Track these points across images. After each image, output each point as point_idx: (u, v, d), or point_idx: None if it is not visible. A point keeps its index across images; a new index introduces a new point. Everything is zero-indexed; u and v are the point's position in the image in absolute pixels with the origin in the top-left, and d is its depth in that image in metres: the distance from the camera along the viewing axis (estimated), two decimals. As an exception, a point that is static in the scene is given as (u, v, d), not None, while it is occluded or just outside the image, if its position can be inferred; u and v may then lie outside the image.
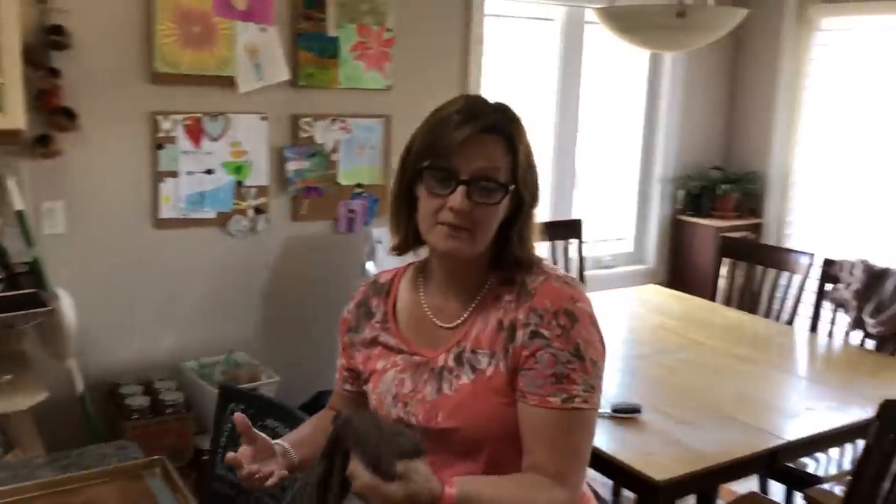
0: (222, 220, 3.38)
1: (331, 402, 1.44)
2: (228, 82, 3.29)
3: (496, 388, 1.16)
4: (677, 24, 2.62)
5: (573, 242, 3.74)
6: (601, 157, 4.63)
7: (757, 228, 4.64)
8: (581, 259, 3.74)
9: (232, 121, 3.32)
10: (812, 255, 3.31)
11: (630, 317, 3.22)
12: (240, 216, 3.40)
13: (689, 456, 2.03)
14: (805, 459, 2.73)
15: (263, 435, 1.20)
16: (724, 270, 3.59)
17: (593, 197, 4.64)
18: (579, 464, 1.17)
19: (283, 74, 3.39)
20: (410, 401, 1.19)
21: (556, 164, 4.38)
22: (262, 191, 3.44)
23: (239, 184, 3.39)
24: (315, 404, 3.27)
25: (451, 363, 1.18)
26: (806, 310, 3.31)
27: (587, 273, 3.98)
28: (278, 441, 1.25)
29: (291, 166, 3.48)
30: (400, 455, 1.02)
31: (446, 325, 1.21)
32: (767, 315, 3.39)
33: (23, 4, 2.72)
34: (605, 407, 2.24)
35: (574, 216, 4.34)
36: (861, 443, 2.01)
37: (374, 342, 1.26)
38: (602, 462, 2.07)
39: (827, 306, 3.21)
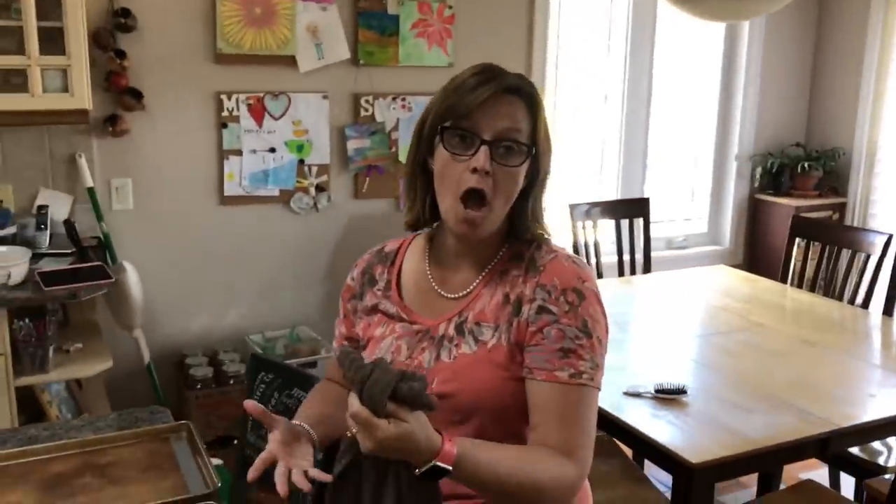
0: (285, 198, 3.45)
1: (327, 373, 1.44)
2: (290, 62, 3.34)
3: (496, 359, 1.16)
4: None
5: (639, 221, 3.65)
6: (674, 134, 4.51)
7: (840, 208, 4.44)
8: (647, 239, 3.65)
9: (293, 100, 3.38)
10: (891, 235, 3.14)
11: (692, 298, 3.13)
12: (302, 194, 3.47)
13: (730, 440, 1.96)
14: (878, 447, 2.62)
15: (282, 418, 1.18)
16: (796, 252, 3.44)
17: (666, 175, 4.52)
18: (587, 439, 1.15)
19: (344, 53, 3.42)
20: (406, 367, 1.17)
21: (625, 142, 4.29)
22: (323, 169, 3.50)
23: (301, 162, 3.45)
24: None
25: (451, 332, 1.18)
26: (882, 292, 3.15)
27: (655, 254, 3.88)
28: (297, 422, 1.23)
29: (352, 144, 3.52)
30: (394, 395, 0.99)
31: (450, 296, 1.21)
32: (841, 298, 3.25)
33: (90, -12, 2.84)
34: (647, 387, 2.20)
35: (645, 195, 4.24)
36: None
37: (374, 309, 1.27)
38: (639, 442, 2.04)
39: (905, 289, 3.04)
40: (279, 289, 3.51)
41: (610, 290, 3.23)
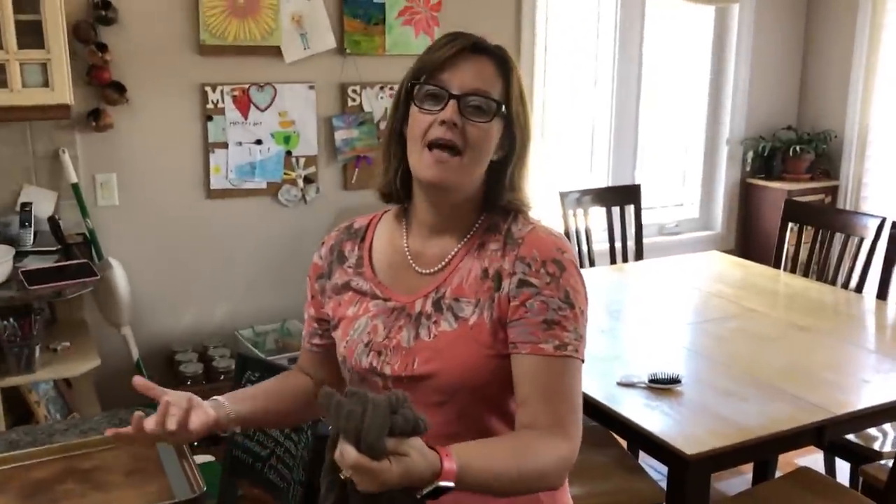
0: (273, 190, 3.41)
1: (299, 362, 1.35)
2: (275, 52, 3.29)
3: (478, 337, 1.12)
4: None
5: (630, 208, 3.62)
6: (664, 119, 4.47)
7: (832, 192, 4.41)
8: (639, 226, 3.62)
9: (279, 91, 3.33)
10: (884, 218, 3.12)
11: (684, 284, 3.10)
12: (290, 186, 3.43)
13: (726, 429, 1.94)
14: (874, 433, 2.60)
15: (176, 392, 1.15)
16: (789, 236, 3.42)
17: (657, 160, 4.49)
18: (576, 412, 1.13)
19: (330, 42, 3.38)
20: (384, 349, 1.14)
21: (615, 128, 4.25)
22: (311, 160, 3.45)
23: (288, 153, 3.41)
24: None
25: (428, 309, 1.14)
26: (875, 276, 3.13)
27: (647, 240, 3.86)
28: (214, 398, 1.19)
29: (340, 135, 3.48)
30: (392, 431, 0.93)
31: (425, 271, 1.17)
32: (834, 282, 3.23)
33: (68, -20, 2.78)
34: (641, 377, 2.18)
35: (636, 181, 4.21)
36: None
37: (345, 287, 1.22)
38: (633, 433, 2.01)
39: (899, 272, 3.02)
40: (268, 282, 3.47)
41: (602, 277, 3.21)
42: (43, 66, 2.65)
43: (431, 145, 1.10)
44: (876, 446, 2.55)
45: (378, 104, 3.52)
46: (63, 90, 2.67)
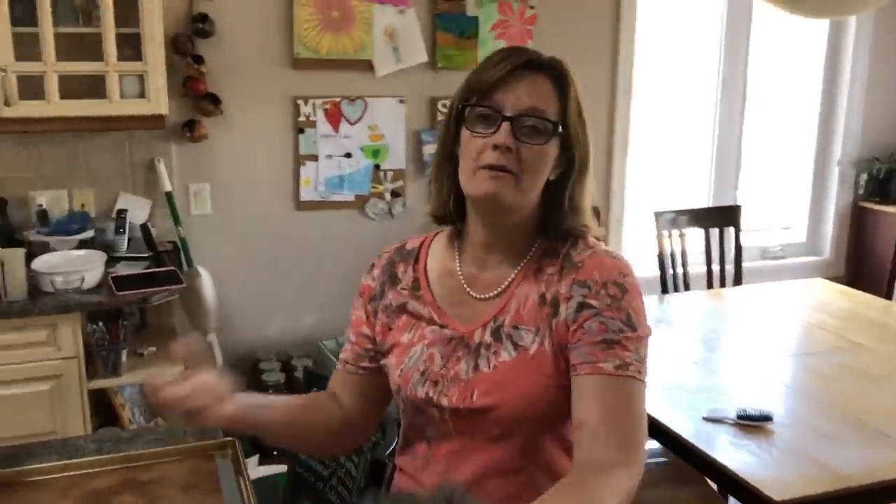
0: (360, 203, 3.41)
1: (331, 386, 1.26)
2: (367, 66, 3.30)
3: (539, 366, 1.06)
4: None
5: (730, 231, 3.45)
6: (770, 137, 4.26)
7: (955, 217, 4.09)
8: (738, 249, 3.44)
9: (370, 104, 3.34)
10: None
11: (784, 313, 2.92)
12: (377, 199, 3.42)
13: (820, 475, 1.79)
14: None
15: (210, 379, 1.09)
16: (904, 264, 3.18)
17: (761, 180, 4.27)
18: (639, 435, 1.04)
19: (422, 56, 3.36)
20: (441, 379, 1.08)
21: (718, 146, 4.08)
22: (398, 174, 3.44)
23: (376, 167, 3.40)
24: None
25: (488, 339, 1.08)
26: None
27: (748, 265, 3.67)
28: (241, 394, 1.14)
29: (429, 150, 3.45)
30: None
31: (482, 297, 1.10)
32: (954, 317, 2.97)
33: (169, -6, 2.86)
34: (730, 412, 2.04)
35: (738, 202, 4.02)
36: None
37: (400, 310, 1.16)
38: (717, 473, 1.88)
39: None
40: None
41: (697, 303, 3.06)
42: (140, 78, 2.73)
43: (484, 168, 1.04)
44: None
45: (468, 118, 3.47)
46: (159, 101, 2.74)
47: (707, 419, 2.04)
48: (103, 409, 2.69)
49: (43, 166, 2.93)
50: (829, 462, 1.84)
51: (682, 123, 4.03)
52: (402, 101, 3.39)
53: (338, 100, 3.30)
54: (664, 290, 3.28)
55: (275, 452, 2.74)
